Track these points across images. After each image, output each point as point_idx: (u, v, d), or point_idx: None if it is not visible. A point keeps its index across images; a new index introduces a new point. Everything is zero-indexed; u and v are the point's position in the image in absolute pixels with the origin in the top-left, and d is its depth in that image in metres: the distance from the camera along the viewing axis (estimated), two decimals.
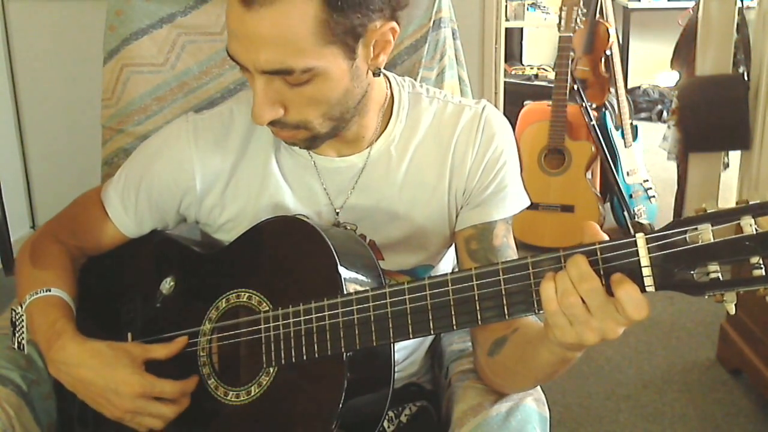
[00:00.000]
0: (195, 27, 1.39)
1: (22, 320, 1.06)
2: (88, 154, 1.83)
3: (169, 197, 1.09)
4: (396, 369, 1.12)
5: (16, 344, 1.08)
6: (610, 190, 3.16)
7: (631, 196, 3.15)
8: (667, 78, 4.65)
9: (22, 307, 1.06)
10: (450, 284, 0.83)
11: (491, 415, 0.98)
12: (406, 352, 1.16)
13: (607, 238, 0.78)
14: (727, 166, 3.06)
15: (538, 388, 1.04)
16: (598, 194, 3.06)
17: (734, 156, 3.02)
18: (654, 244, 0.73)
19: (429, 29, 1.37)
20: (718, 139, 2.91)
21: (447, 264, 1.17)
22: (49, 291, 1.06)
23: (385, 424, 1.11)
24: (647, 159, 3.37)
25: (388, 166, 1.05)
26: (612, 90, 3.24)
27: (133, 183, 1.10)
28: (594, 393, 2.21)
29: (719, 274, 0.71)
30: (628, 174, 3.17)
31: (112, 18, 1.39)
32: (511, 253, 1.04)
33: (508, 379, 1.00)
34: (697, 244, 0.71)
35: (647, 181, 3.23)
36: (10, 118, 2.81)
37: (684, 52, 2.95)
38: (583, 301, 0.75)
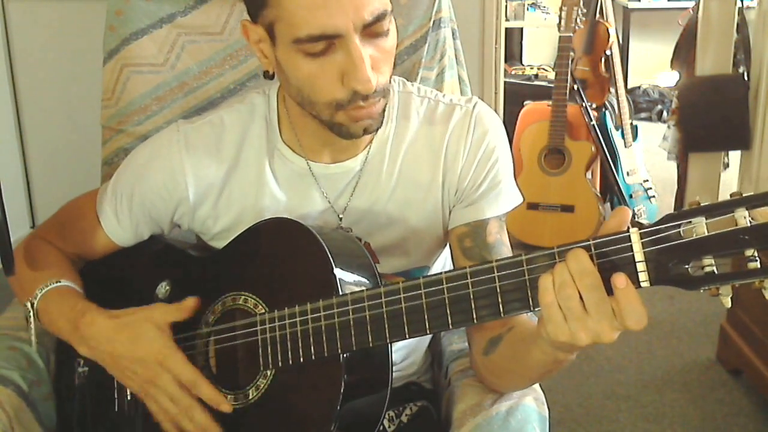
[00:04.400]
0: (195, 27, 1.39)
1: (31, 316, 1.06)
2: (88, 154, 1.82)
3: (162, 207, 1.07)
4: (395, 369, 1.13)
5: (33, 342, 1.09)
6: (610, 190, 3.16)
7: (631, 196, 3.15)
8: (667, 78, 4.65)
9: (33, 304, 1.05)
10: (445, 283, 0.83)
11: (491, 414, 0.98)
12: (405, 352, 1.16)
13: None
14: (727, 166, 3.06)
15: (538, 387, 1.04)
16: (598, 194, 3.06)
17: (734, 156, 3.02)
18: (648, 238, 0.72)
19: (429, 29, 1.37)
20: (718, 139, 2.91)
21: (442, 265, 1.16)
22: (59, 282, 1.06)
23: (386, 423, 1.11)
24: (647, 159, 3.37)
25: (381, 169, 1.05)
26: (612, 90, 3.24)
27: (126, 195, 1.08)
28: (594, 393, 2.20)
29: (714, 268, 0.70)
30: (628, 174, 3.17)
31: (112, 18, 1.39)
32: (506, 251, 1.03)
33: (502, 377, 1.00)
34: (691, 238, 0.70)
35: (647, 181, 3.23)
36: (10, 118, 2.80)
37: (684, 52, 2.95)
38: (581, 297, 0.74)
